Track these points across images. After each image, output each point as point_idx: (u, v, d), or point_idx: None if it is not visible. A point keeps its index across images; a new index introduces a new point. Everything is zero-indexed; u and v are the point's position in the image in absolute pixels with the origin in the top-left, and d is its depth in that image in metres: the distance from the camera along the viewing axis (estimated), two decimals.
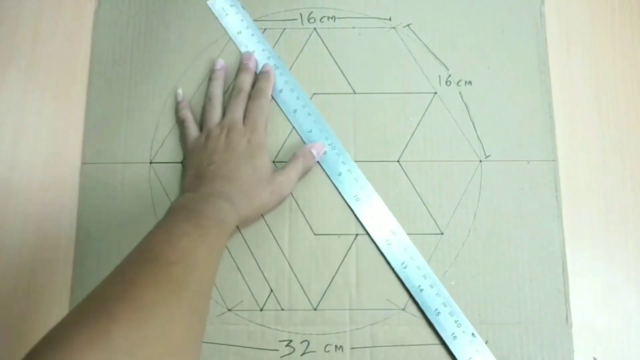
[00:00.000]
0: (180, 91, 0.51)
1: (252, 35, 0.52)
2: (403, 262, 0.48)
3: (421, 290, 0.47)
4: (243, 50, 0.52)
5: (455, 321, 0.47)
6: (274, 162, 0.50)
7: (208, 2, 0.53)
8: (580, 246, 0.49)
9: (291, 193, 0.49)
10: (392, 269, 0.48)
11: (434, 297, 0.47)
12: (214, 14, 0.53)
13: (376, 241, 0.48)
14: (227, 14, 0.52)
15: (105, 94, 0.51)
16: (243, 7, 0.53)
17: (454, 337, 0.46)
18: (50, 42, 0.53)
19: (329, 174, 0.50)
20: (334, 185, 0.50)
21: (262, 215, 0.49)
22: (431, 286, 0.47)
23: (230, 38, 0.52)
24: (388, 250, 0.48)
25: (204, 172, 0.45)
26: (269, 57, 0.52)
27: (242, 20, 0.52)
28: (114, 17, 0.53)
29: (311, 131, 0.50)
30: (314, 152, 0.48)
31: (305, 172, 0.49)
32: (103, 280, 0.35)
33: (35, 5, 0.54)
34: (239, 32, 0.52)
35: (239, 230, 0.49)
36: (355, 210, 0.49)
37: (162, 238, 0.37)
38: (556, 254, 0.48)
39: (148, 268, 0.35)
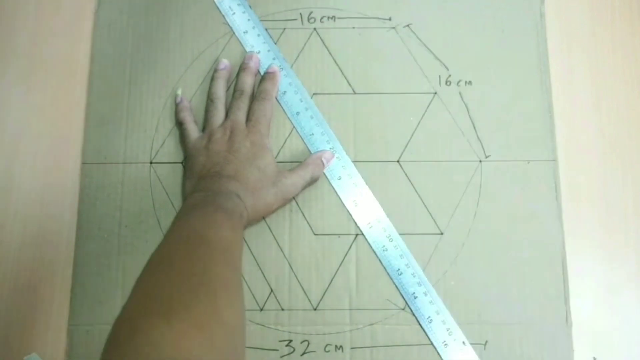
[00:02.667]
0: (179, 92, 0.51)
1: (258, 35, 0.52)
2: (399, 269, 0.48)
3: (415, 297, 0.47)
4: (248, 50, 0.52)
5: (447, 329, 0.46)
6: None
7: (215, 0, 0.53)
8: (580, 246, 0.49)
9: None
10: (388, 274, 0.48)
11: (428, 304, 0.47)
12: (219, 12, 0.53)
13: (373, 246, 0.48)
14: (234, 13, 0.52)
15: (105, 94, 0.51)
16: (250, 7, 0.53)
17: (445, 344, 0.46)
18: (50, 42, 0.53)
19: (328, 177, 0.50)
20: (333, 188, 0.50)
21: (264, 218, 0.49)
22: (425, 294, 0.47)
23: (236, 37, 0.52)
24: (384, 256, 0.48)
25: (207, 173, 0.44)
26: (274, 58, 0.52)
27: (248, 19, 0.52)
28: (114, 17, 0.53)
29: (313, 134, 0.50)
30: (324, 161, 0.48)
31: (312, 181, 0.48)
32: (161, 253, 0.35)
33: (35, 5, 0.53)
34: (245, 32, 0.52)
35: None
36: (353, 215, 0.49)
37: (203, 225, 0.37)
38: (556, 254, 0.48)
39: (210, 250, 0.35)
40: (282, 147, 0.50)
